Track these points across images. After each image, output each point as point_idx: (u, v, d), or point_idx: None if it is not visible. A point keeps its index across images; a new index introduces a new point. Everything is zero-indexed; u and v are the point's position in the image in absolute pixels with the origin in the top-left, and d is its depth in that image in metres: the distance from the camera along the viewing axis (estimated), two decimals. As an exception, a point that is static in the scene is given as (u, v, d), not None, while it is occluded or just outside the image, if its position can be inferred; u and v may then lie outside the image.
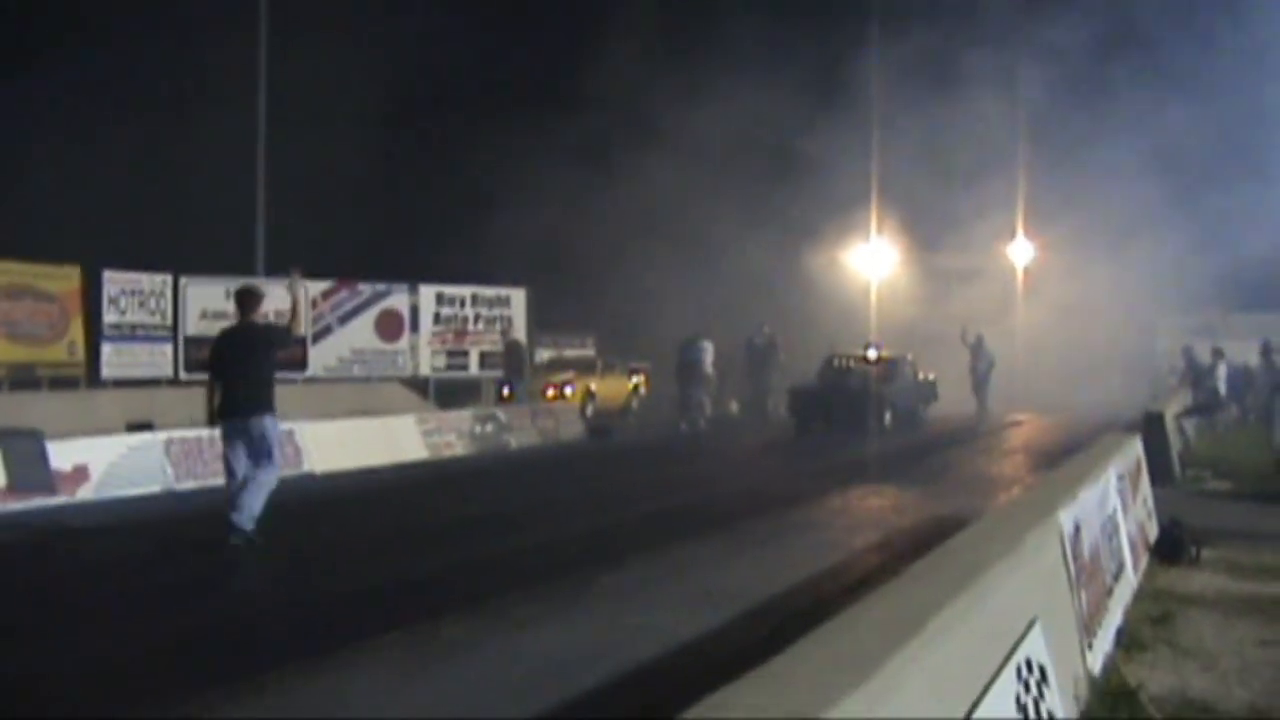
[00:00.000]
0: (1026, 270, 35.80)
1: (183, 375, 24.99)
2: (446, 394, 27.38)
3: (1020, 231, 35.64)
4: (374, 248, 32.24)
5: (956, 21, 30.56)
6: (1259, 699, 5.50)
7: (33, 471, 12.20)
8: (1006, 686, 3.70)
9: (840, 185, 31.98)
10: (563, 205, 31.39)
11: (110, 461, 13.17)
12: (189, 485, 13.72)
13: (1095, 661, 5.54)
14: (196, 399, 21.85)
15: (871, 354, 24.82)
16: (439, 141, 34.98)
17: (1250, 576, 8.48)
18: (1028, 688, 3.91)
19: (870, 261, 35.29)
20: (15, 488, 12.00)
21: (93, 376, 23.70)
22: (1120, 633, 6.45)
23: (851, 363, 24.48)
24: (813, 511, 12.21)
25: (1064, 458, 11.38)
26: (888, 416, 22.54)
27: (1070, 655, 5.00)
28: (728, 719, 2.52)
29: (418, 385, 27.91)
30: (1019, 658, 3.92)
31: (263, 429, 9.81)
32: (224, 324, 25.02)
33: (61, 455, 12.67)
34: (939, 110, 30.27)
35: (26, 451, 12.30)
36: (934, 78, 30.19)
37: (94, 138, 30.03)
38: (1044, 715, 3.99)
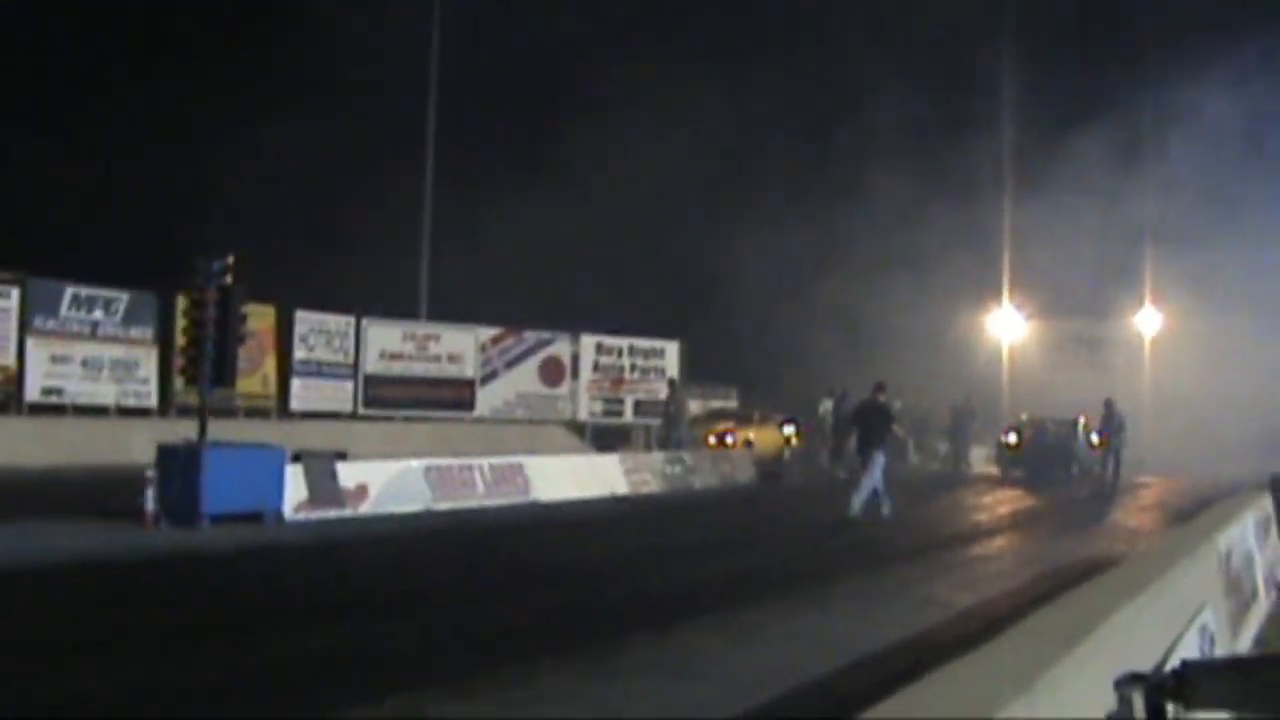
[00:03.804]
0: (1154, 339, 36.69)
1: (361, 410, 27.67)
2: (599, 439, 29.44)
3: (1148, 301, 36.70)
4: (538, 296, 34.58)
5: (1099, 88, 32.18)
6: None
7: (327, 487, 14.61)
8: (1193, 638, 5.89)
9: (980, 252, 34.07)
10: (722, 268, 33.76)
11: (383, 482, 15.47)
12: (445, 505, 16.00)
13: (1240, 649, 7.68)
14: (381, 433, 24.65)
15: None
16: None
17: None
18: (1204, 641, 6.09)
19: (1002, 326, 37.12)
20: (314, 500, 14.45)
21: (280, 408, 26.43)
22: (1257, 640, 8.53)
23: (1047, 424, 27.71)
24: (984, 547, 14.48)
25: (1195, 513, 12.73)
26: (1075, 469, 26.25)
27: (1223, 638, 7.14)
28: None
29: (575, 429, 30.25)
30: (1199, 622, 6.10)
31: (874, 457, 16.67)
32: (409, 364, 27.54)
33: (347, 475, 15.03)
34: (1075, 179, 32.03)
35: (321, 470, 14.67)
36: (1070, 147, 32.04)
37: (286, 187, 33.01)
38: (1214, 661, 6.16)
